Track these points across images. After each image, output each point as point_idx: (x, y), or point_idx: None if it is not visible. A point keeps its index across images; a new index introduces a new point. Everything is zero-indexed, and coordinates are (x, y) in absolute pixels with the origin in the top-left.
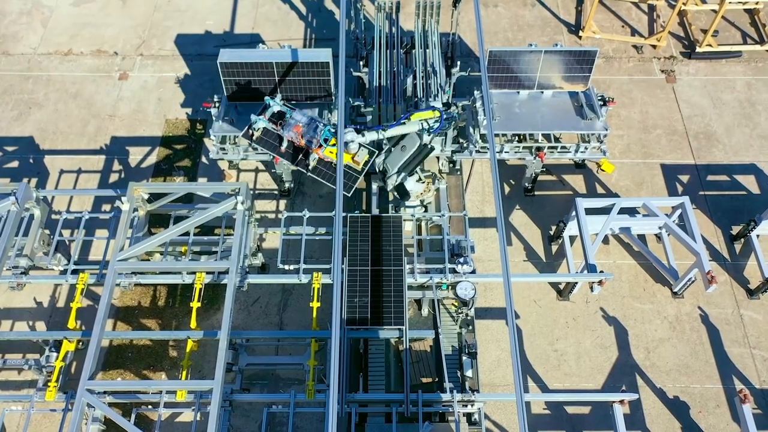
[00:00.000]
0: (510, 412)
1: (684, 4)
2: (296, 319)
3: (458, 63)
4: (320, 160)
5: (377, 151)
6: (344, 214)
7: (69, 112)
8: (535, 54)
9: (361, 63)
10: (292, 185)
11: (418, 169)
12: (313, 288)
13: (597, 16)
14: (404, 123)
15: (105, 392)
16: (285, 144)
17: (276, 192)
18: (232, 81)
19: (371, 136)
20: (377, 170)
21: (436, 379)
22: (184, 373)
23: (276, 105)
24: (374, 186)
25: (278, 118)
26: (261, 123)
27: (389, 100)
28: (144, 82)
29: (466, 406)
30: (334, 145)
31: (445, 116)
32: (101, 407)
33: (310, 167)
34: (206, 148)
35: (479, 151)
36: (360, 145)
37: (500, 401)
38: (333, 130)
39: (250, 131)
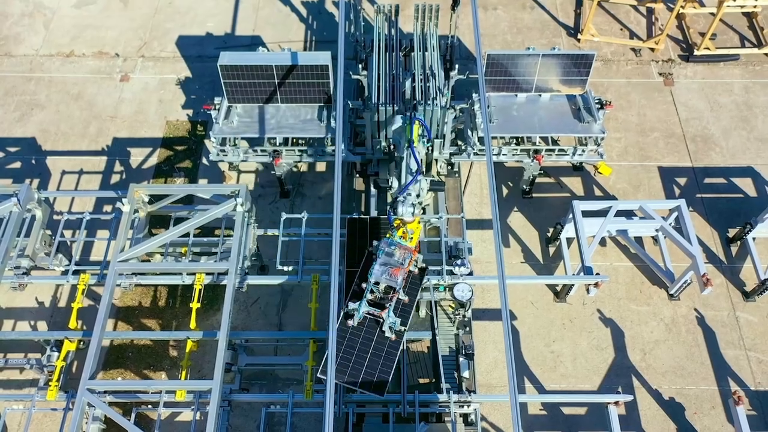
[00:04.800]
0: (506, 412)
1: (682, 7)
2: (295, 319)
3: (457, 66)
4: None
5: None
6: (343, 216)
7: (71, 114)
8: (533, 57)
9: (361, 66)
10: (291, 186)
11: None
12: (312, 289)
13: (595, 19)
14: (419, 175)
15: (105, 392)
16: (388, 322)
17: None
18: (233, 83)
19: (411, 200)
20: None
21: (433, 380)
22: (184, 373)
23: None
24: (373, 188)
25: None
26: (363, 308)
27: (388, 102)
28: (145, 84)
29: (463, 406)
30: (397, 226)
31: (424, 120)
32: (101, 407)
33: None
34: (207, 150)
35: (477, 154)
36: (414, 205)
37: (497, 402)
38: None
39: (348, 321)
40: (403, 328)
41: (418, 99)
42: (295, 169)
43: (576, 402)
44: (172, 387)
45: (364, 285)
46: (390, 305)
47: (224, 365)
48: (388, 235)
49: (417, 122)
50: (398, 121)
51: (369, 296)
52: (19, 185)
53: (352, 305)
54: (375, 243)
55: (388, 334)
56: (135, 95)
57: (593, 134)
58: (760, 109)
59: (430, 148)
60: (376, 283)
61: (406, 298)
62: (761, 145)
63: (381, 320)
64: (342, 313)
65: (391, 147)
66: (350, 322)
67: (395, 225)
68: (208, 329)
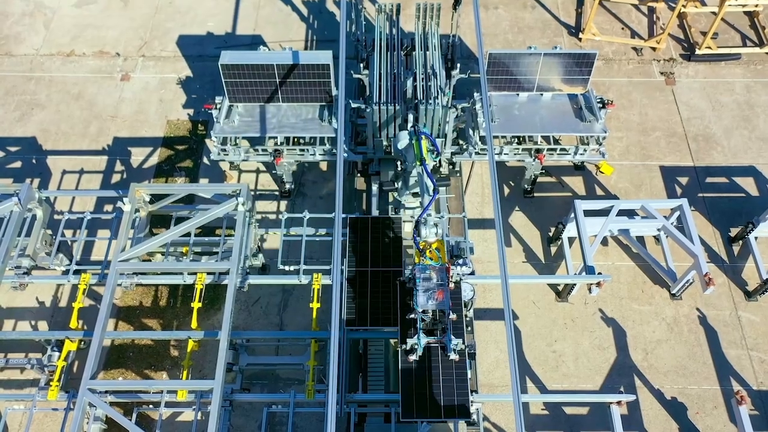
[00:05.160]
0: (508, 412)
1: (684, 6)
2: (296, 319)
3: (458, 65)
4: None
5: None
6: (344, 216)
7: (71, 113)
8: (535, 57)
9: (362, 65)
10: (292, 186)
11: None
12: (313, 289)
13: (597, 18)
14: (437, 195)
15: (106, 391)
16: (451, 345)
17: (276, 193)
18: (234, 82)
19: (432, 220)
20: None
21: None
22: (185, 372)
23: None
24: (374, 187)
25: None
26: (422, 340)
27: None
28: (146, 84)
29: None
30: (423, 248)
31: (431, 133)
32: (103, 406)
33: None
34: (207, 149)
35: (479, 153)
36: (436, 224)
37: (499, 402)
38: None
39: (410, 357)
40: (464, 347)
41: (419, 98)
42: (295, 169)
43: (578, 402)
44: (173, 387)
45: (412, 316)
46: (449, 328)
47: (225, 365)
48: (417, 260)
49: (424, 137)
50: (404, 138)
51: (422, 326)
52: (19, 185)
53: (410, 341)
54: (405, 272)
55: (452, 356)
56: (135, 95)
57: (595, 133)
58: (762, 109)
59: (439, 161)
60: (425, 311)
61: (454, 316)
62: (763, 145)
63: (440, 345)
64: (400, 351)
65: (398, 163)
66: (412, 357)
67: (422, 247)
68: (209, 329)
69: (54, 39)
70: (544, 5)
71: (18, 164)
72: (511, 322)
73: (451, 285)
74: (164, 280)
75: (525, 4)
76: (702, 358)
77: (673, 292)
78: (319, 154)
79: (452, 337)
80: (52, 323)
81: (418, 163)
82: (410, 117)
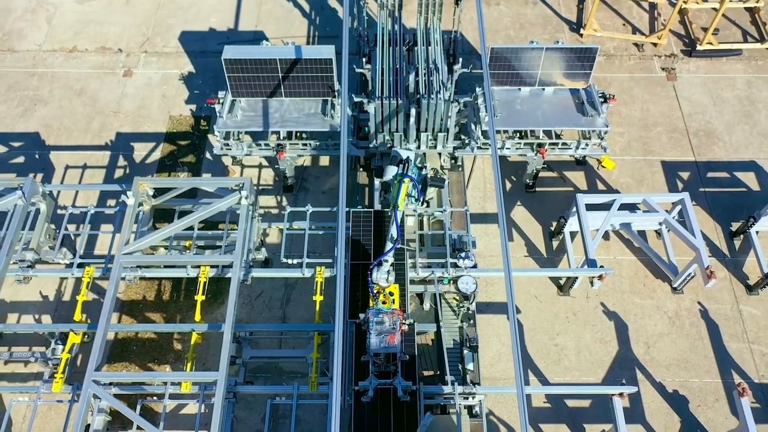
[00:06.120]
0: (511, 405)
1: (685, 2)
2: (299, 313)
3: (460, 59)
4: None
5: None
6: (347, 209)
7: (74, 109)
8: (537, 51)
9: (364, 60)
10: (294, 181)
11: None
12: (316, 282)
13: (598, 14)
14: (397, 245)
15: (111, 383)
16: (401, 388)
17: (277, 185)
18: (236, 77)
19: (386, 267)
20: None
21: (438, 373)
22: (189, 364)
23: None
24: (377, 182)
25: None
26: (373, 383)
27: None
28: (148, 79)
29: (468, 398)
30: (377, 293)
31: (415, 176)
32: (107, 398)
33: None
34: (210, 145)
35: (481, 148)
36: (388, 272)
37: (501, 396)
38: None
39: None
40: (414, 387)
41: (421, 93)
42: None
43: (580, 393)
44: (177, 378)
45: (364, 358)
46: (398, 371)
47: (229, 356)
48: (371, 304)
49: (407, 180)
50: (390, 173)
51: (374, 369)
52: (23, 178)
53: (362, 383)
54: (362, 315)
55: (403, 398)
56: (138, 90)
57: (597, 128)
58: (763, 104)
59: (421, 202)
60: (376, 355)
61: (406, 357)
62: (764, 140)
63: (391, 387)
64: (352, 394)
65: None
66: (363, 399)
67: (376, 292)
68: (212, 323)
69: (56, 35)
70: (545, 1)
71: (21, 159)
72: (513, 310)
73: (405, 327)
74: (168, 273)
75: (526, 0)
76: (703, 351)
77: (675, 285)
78: (322, 149)
79: (402, 380)
80: (56, 317)
81: (391, 207)
82: (407, 156)
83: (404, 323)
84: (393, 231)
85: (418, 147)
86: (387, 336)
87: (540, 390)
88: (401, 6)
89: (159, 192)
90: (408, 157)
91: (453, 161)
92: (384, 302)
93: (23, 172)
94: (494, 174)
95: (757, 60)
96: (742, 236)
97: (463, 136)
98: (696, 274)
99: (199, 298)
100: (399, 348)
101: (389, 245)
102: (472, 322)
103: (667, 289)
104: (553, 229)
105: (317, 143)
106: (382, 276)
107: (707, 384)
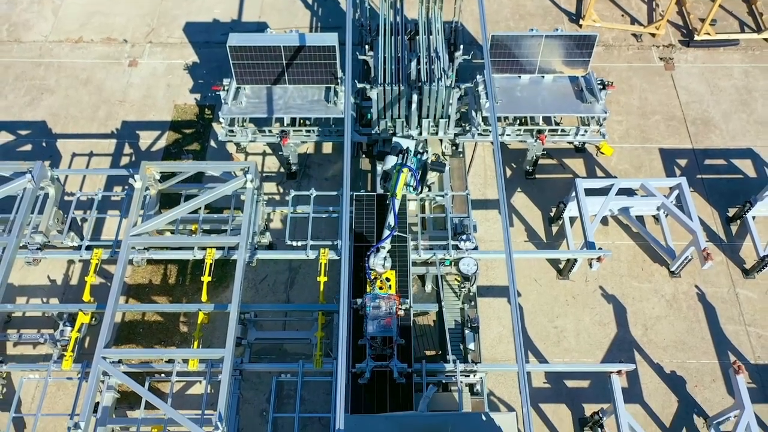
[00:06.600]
0: (511, 386)
1: None
2: (303, 296)
3: (461, 47)
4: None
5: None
6: (350, 193)
7: (80, 98)
8: (536, 39)
9: (366, 47)
10: (298, 168)
11: None
12: (320, 263)
13: (597, 5)
14: (394, 232)
15: (120, 361)
16: (396, 370)
17: (280, 173)
18: (241, 64)
19: (382, 253)
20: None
21: (440, 352)
22: (196, 343)
23: None
24: (379, 167)
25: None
26: (370, 365)
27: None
28: (153, 69)
29: (468, 376)
30: (374, 279)
31: (414, 167)
32: (116, 374)
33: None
34: (214, 133)
35: (481, 134)
36: (385, 258)
37: (502, 376)
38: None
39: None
40: (410, 370)
41: (423, 80)
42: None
43: (579, 371)
44: (185, 355)
45: (361, 342)
46: (393, 354)
47: (236, 336)
48: (368, 290)
49: (405, 170)
50: (390, 162)
51: (371, 352)
52: (32, 162)
53: (359, 365)
54: (359, 300)
55: (399, 380)
56: (143, 80)
57: (596, 114)
58: (760, 93)
59: (419, 191)
60: (373, 338)
61: (402, 341)
62: (761, 128)
63: (388, 370)
64: (350, 375)
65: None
66: (360, 381)
67: (372, 278)
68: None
69: (62, 26)
70: None
71: (29, 147)
72: (515, 288)
73: (401, 312)
74: (175, 255)
75: None
76: (700, 333)
77: (672, 269)
78: (325, 135)
79: (398, 362)
80: (64, 300)
81: (390, 195)
82: (407, 146)
83: (400, 308)
84: (390, 219)
85: (420, 133)
86: (383, 320)
87: (540, 368)
88: None
89: (165, 178)
90: (407, 147)
91: (454, 148)
92: (381, 287)
93: (31, 160)
94: (495, 156)
95: (753, 50)
96: (738, 221)
97: (463, 123)
98: (693, 257)
99: (206, 279)
100: (395, 332)
101: (386, 232)
102: (473, 303)
103: (665, 273)
104: (552, 214)
105: (320, 130)
106: (378, 262)
107: (704, 365)
